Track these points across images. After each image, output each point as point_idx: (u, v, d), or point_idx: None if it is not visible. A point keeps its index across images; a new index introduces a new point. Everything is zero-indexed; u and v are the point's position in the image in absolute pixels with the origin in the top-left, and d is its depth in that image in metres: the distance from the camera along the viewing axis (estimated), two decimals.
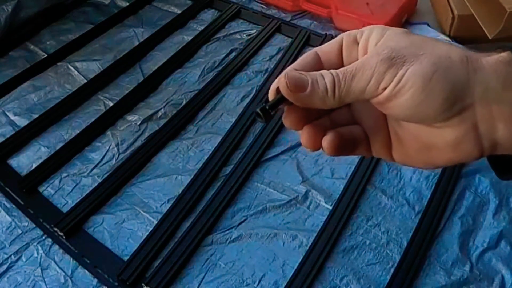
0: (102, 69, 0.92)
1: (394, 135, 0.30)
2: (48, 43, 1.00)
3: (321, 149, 0.30)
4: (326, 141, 0.29)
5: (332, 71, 0.27)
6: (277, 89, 0.28)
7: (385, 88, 0.25)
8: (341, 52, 0.30)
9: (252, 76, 0.89)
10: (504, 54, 0.25)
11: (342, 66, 0.29)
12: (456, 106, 0.25)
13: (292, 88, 0.27)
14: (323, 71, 0.27)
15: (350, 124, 0.31)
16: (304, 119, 0.29)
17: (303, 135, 0.30)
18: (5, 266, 0.61)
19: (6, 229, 0.66)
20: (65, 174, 0.73)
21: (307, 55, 0.30)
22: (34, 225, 0.66)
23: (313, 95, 0.27)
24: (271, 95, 0.29)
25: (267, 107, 0.28)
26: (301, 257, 0.60)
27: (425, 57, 0.25)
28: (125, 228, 0.66)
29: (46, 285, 0.60)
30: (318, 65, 0.30)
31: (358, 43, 0.29)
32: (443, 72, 0.24)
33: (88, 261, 0.62)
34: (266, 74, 0.88)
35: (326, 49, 0.30)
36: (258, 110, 0.28)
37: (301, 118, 0.29)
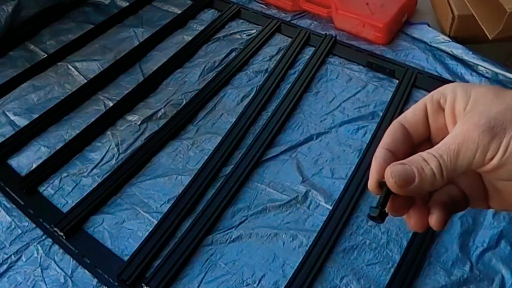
0: (102, 69, 0.92)
1: (492, 189, 0.30)
2: (48, 43, 1.00)
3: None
4: (434, 220, 0.29)
5: (434, 153, 0.26)
6: (380, 183, 0.28)
7: (491, 159, 0.25)
8: (427, 120, 0.29)
9: (252, 76, 0.89)
10: None
11: (430, 133, 0.29)
12: None
13: (401, 184, 0.26)
14: (425, 155, 0.26)
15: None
16: (408, 203, 0.29)
17: (410, 220, 0.30)
18: (5, 266, 0.61)
19: (6, 229, 0.66)
20: (65, 174, 0.73)
21: (395, 130, 0.30)
22: (34, 225, 0.66)
23: (422, 184, 0.26)
24: (372, 187, 0.29)
25: (380, 209, 0.28)
26: (301, 257, 0.60)
27: None
28: (125, 228, 0.66)
29: (46, 285, 0.60)
30: (408, 140, 0.30)
31: (443, 109, 0.28)
32: None
33: (88, 261, 0.62)
34: (266, 74, 0.88)
35: (411, 120, 0.30)
36: (375, 215, 0.28)
37: (406, 203, 0.29)
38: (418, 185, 0.26)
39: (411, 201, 0.29)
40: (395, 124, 0.30)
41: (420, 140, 0.30)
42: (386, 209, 0.28)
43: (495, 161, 0.25)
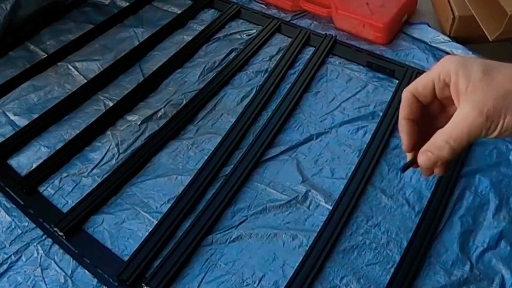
0: (102, 69, 0.92)
1: None
2: (48, 43, 1.00)
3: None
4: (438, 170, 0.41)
5: (447, 138, 0.35)
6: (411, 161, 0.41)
7: (491, 134, 0.34)
8: (435, 93, 0.37)
9: (252, 76, 0.89)
10: None
11: (436, 99, 0.39)
12: None
13: (427, 166, 0.38)
14: (440, 143, 0.36)
15: None
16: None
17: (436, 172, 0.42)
18: (5, 266, 0.61)
19: (6, 229, 0.66)
20: (65, 174, 0.73)
21: (411, 103, 0.39)
22: (34, 225, 0.66)
23: (442, 161, 0.38)
24: (408, 150, 0.41)
25: (407, 168, 0.42)
26: (301, 257, 0.60)
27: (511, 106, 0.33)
28: (125, 228, 0.66)
29: (46, 285, 0.60)
30: (420, 106, 0.39)
31: (448, 85, 0.36)
32: None
33: (88, 261, 0.62)
34: (266, 74, 0.88)
35: (422, 93, 0.38)
36: (403, 169, 0.42)
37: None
38: (441, 162, 0.38)
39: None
40: (409, 96, 0.39)
41: (428, 102, 0.39)
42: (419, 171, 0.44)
43: (493, 135, 0.34)
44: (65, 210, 0.68)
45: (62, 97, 0.86)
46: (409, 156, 0.42)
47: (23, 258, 0.62)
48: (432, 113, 0.40)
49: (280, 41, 0.97)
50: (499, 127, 0.33)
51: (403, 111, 0.39)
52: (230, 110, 0.83)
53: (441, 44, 0.90)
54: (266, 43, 0.96)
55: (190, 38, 0.98)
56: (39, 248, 0.63)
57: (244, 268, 0.61)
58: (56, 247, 0.64)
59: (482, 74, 0.34)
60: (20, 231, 0.66)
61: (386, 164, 0.71)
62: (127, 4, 1.09)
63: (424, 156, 0.38)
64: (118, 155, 0.76)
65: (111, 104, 0.85)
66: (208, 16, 1.06)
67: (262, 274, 0.60)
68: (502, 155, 0.71)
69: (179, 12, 1.06)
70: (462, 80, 0.34)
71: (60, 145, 0.77)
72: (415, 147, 0.40)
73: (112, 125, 0.81)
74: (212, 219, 0.65)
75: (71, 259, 0.62)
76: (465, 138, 0.34)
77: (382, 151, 0.72)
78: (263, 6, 1.06)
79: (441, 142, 0.36)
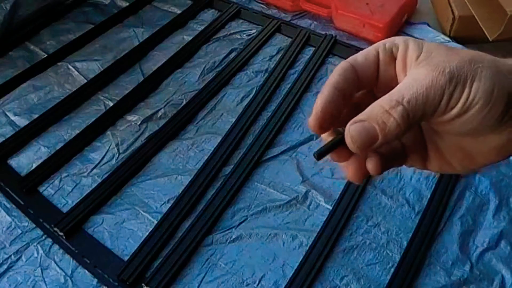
0: (102, 69, 0.92)
1: (434, 148, 0.29)
2: (48, 43, 1.00)
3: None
4: (371, 165, 0.28)
5: (398, 98, 0.25)
6: (335, 130, 0.27)
7: (453, 107, 0.25)
8: (377, 67, 0.29)
9: (252, 76, 0.89)
10: None
11: (376, 82, 0.29)
12: (508, 114, 0.25)
13: (364, 146, 0.25)
14: (386, 104, 0.25)
15: None
16: (350, 152, 0.28)
17: (348, 169, 0.29)
18: (5, 266, 0.61)
19: (6, 229, 0.66)
20: (65, 174, 0.73)
21: (346, 71, 0.28)
22: (34, 225, 0.66)
23: (385, 140, 0.25)
24: (313, 125, 0.28)
25: (325, 153, 0.28)
26: (301, 257, 0.60)
27: (481, 70, 0.24)
28: (125, 228, 0.66)
29: (46, 285, 0.60)
30: (356, 82, 0.29)
31: (394, 58, 0.28)
32: (499, 83, 0.25)
33: (88, 261, 0.62)
34: (266, 74, 0.88)
35: (362, 64, 0.29)
36: (315, 154, 0.28)
37: (349, 152, 0.28)
38: (382, 142, 0.25)
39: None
40: (345, 64, 0.29)
41: (364, 86, 0.29)
42: (330, 155, 0.28)
43: (455, 110, 0.25)
44: (65, 210, 0.68)
45: (62, 97, 0.86)
46: (324, 138, 0.30)
47: (23, 258, 0.62)
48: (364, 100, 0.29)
49: (280, 41, 0.97)
50: (465, 94, 0.24)
51: (332, 77, 0.29)
52: (230, 110, 0.83)
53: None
54: (266, 43, 0.96)
55: (190, 38, 0.98)
56: (39, 248, 0.63)
57: (244, 268, 0.61)
58: (56, 247, 0.64)
59: (437, 44, 0.27)
60: (20, 231, 0.66)
61: None
62: (127, 4, 1.09)
63: (357, 127, 0.25)
64: (118, 155, 0.76)
65: (111, 104, 0.85)
66: (208, 16, 1.06)
67: (262, 274, 0.60)
68: None
69: (179, 12, 1.06)
70: (412, 48, 0.27)
71: (60, 145, 0.77)
72: (326, 123, 0.28)
73: (112, 125, 0.81)
74: (212, 219, 0.65)
75: (71, 259, 0.62)
76: (423, 99, 0.24)
77: None
78: (263, 6, 1.06)
79: (387, 104, 0.25)
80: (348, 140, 0.26)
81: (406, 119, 0.24)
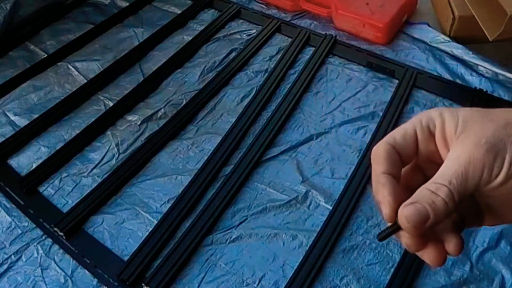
0: (102, 69, 0.92)
1: (487, 208, 0.30)
2: (48, 43, 1.00)
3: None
4: (453, 247, 0.28)
5: (441, 181, 0.26)
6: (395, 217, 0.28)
7: (497, 175, 0.25)
8: (417, 145, 0.29)
9: (252, 76, 0.89)
10: None
11: (416, 157, 0.30)
12: None
13: (418, 226, 0.26)
14: (432, 187, 0.26)
15: None
16: (423, 238, 0.28)
17: (429, 255, 0.29)
18: (5, 266, 0.61)
19: (6, 229, 0.66)
20: (65, 174, 0.73)
21: (390, 154, 0.29)
22: (34, 225, 0.66)
23: (437, 218, 0.26)
24: (391, 218, 0.28)
25: (387, 236, 0.29)
26: (301, 257, 0.60)
27: None
28: (125, 228, 0.66)
29: (46, 285, 0.60)
30: (400, 162, 0.29)
31: (433, 135, 0.28)
32: None
33: (88, 261, 0.62)
34: (266, 74, 0.88)
35: (402, 144, 0.29)
36: (378, 237, 0.29)
37: (422, 238, 0.28)
38: (434, 220, 0.26)
39: (427, 235, 0.29)
40: (387, 147, 0.29)
41: (405, 163, 0.30)
42: (405, 247, 0.29)
43: (500, 177, 0.25)
44: (65, 210, 0.68)
45: (62, 97, 0.86)
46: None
47: (23, 258, 0.62)
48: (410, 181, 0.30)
49: (280, 41, 0.97)
50: (506, 162, 0.25)
51: (382, 164, 0.29)
52: (230, 110, 0.83)
53: (441, 44, 0.90)
54: (266, 43, 0.96)
55: (190, 38, 0.98)
56: (39, 248, 0.63)
57: (244, 268, 0.61)
58: (56, 247, 0.64)
59: (471, 111, 0.27)
60: (20, 231, 0.66)
61: None
62: (127, 4, 1.09)
63: (410, 210, 0.26)
64: (118, 155, 0.76)
65: (111, 104, 0.85)
66: (208, 16, 1.06)
67: (262, 274, 0.60)
68: None
69: (179, 12, 1.06)
70: (449, 121, 0.27)
71: (60, 145, 0.77)
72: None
73: (112, 125, 0.81)
74: (212, 219, 0.65)
75: (71, 259, 0.62)
76: (463, 177, 0.25)
77: None
78: (263, 6, 1.06)
79: (433, 187, 0.26)
80: (401, 220, 0.27)
81: (452, 198, 0.26)
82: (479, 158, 0.25)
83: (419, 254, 0.29)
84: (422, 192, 0.27)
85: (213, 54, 0.95)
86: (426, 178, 0.28)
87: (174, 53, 0.94)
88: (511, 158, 0.25)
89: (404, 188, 0.29)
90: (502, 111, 0.27)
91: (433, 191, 0.26)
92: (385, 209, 0.28)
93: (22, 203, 0.69)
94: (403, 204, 0.27)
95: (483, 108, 0.28)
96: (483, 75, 0.84)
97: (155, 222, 0.65)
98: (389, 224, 0.28)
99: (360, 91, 0.84)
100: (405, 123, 0.30)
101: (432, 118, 0.28)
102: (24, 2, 0.99)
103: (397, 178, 0.29)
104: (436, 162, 0.28)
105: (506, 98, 0.80)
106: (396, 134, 0.29)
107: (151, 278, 0.59)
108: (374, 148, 0.30)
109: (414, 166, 0.31)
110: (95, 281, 0.60)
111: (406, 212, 0.26)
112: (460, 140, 0.27)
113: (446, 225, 0.29)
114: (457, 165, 0.26)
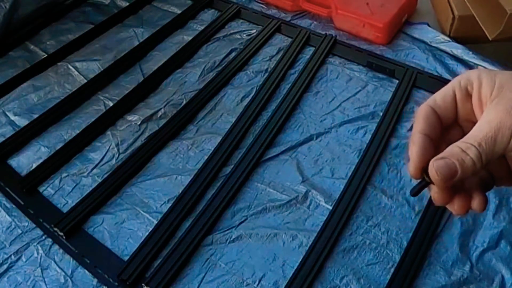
0: (102, 69, 0.92)
1: None
2: (48, 43, 1.00)
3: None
4: (477, 203, 0.30)
5: (472, 141, 0.28)
6: (423, 169, 0.30)
7: None
8: (456, 105, 0.31)
9: (252, 76, 0.89)
10: None
11: (457, 117, 0.31)
12: None
13: (446, 179, 0.28)
14: (463, 146, 0.28)
15: None
16: (451, 192, 0.30)
17: (454, 206, 0.31)
18: (5, 266, 0.61)
19: (6, 229, 0.66)
20: (65, 174, 0.73)
21: (428, 115, 0.31)
22: (34, 225, 0.66)
23: (464, 175, 0.28)
24: (416, 174, 0.30)
25: (418, 192, 0.31)
26: (301, 257, 0.60)
27: None
28: (125, 228, 0.66)
29: (46, 285, 0.60)
30: (439, 123, 0.31)
31: (470, 95, 0.30)
32: None
33: (88, 261, 0.62)
34: (266, 74, 0.88)
35: (442, 105, 0.31)
36: (411, 192, 0.31)
37: (449, 193, 0.30)
38: (461, 176, 0.28)
39: (454, 190, 0.31)
40: (426, 108, 0.31)
41: (448, 123, 0.32)
42: (433, 200, 0.31)
43: None
44: (65, 210, 0.68)
45: (62, 97, 0.86)
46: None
47: (23, 258, 0.62)
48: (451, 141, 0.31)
49: (280, 41, 0.97)
50: None
51: (419, 124, 0.31)
52: (230, 110, 0.83)
53: (441, 44, 0.90)
54: (266, 43, 0.96)
55: (190, 38, 0.98)
56: (39, 248, 0.64)
57: (244, 268, 0.61)
58: (56, 247, 0.64)
59: (508, 76, 0.28)
60: (20, 231, 0.66)
61: (386, 164, 0.71)
62: (127, 4, 1.09)
63: (440, 163, 0.28)
64: (118, 155, 0.76)
65: (111, 104, 0.85)
66: (208, 16, 1.06)
67: (262, 274, 0.60)
68: None
69: (179, 12, 1.06)
70: (486, 85, 0.29)
71: (60, 145, 0.77)
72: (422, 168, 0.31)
73: (112, 125, 0.81)
74: (212, 219, 0.65)
75: (71, 259, 0.62)
76: (492, 142, 0.27)
77: (382, 151, 0.72)
78: (263, 6, 1.06)
79: (464, 145, 0.28)
80: (432, 172, 0.29)
81: (480, 158, 0.28)
82: (508, 125, 0.27)
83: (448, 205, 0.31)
84: (453, 149, 0.28)
85: (213, 54, 0.95)
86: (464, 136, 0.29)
87: (174, 53, 0.94)
88: None
89: (441, 147, 0.31)
90: None
91: (464, 149, 0.28)
92: (411, 166, 0.30)
93: (22, 203, 0.69)
94: (435, 158, 0.29)
95: None
96: None
97: (155, 222, 0.65)
98: (418, 180, 0.30)
99: (360, 91, 0.84)
100: (447, 85, 0.31)
101: (471, 79, 0.30)
102: (24, 2, 0.99)
103: (434, 139, 0.31)
104: (472, 121, 0.30)
105: None
106: (437, 96, 0.31)
107: (151, 278, 0.59)
108: (417, 109, 0.32)
109: (455, 124, 0.32)
110: (95, 281, 0.60)
111: (436, 165, 0.28)
112: (493, 104, 0.28)
113: (474, 181, 0.31)
114: (488, 129, 0.27)
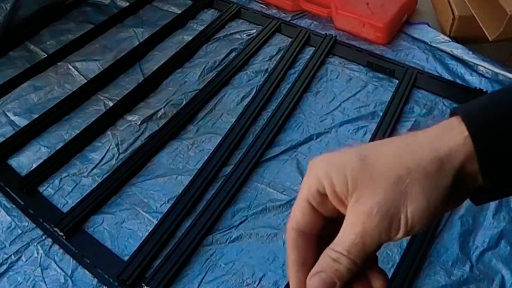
0: (102, 69, 0.92)
1: None
2: (48, 43, 1.00)
3: None
4: (378, 284, 0.29)
5: (341, 250, 0.27)
6: None
7: (396, 234, 0.26)
8: (318, 212, 0.29)
9: (252, 76, 0.89)
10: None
11: (323, 219, 0.29)
12: (448, 204, 0.26)
13: None
14: (334, 256, 0.27)
15: None
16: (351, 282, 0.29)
17: None
18: (5, 266, 0.61)
19: (6, 229, 0.66)
20: (65, 174, 0.73)
21: (296, 242, 0.29)
22: (34, 225, 0.66)
23: (343, 281, 0.27)
24: None
25: None
26: None
27: (410, 189, 0.25)
28: (125, 228, 0.66)
29: (46, 285, 0.60)
30: (311, 239, 0.29)
31: (326, 195, 0.28)
32: (431, 192, 0.25)
33: (88, 261, 0.62)
34: (266, 74, 0.88)
35: (304, 222, 0.29)
36: None
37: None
38: (341, 284, 0.27)
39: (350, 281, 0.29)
40: (292, 234, 0.29)
41: (319, 230, 0.30)
42: None
43: (400, 235, 0.26)
44: (65, 210, 0.68)
45: (62, 97, 0.86)
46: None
47: (23, 258, 0.62)
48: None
49: (280, 41, 0.97)
50: (402, 223, 0.25)
51: (291, 255, 0.29)
52: (230, 110, 0.83)
53: (441, 44, 0.90)
54: (266, 43, 0.96)
55: (190, 38, 0.98)
56: (39, 248, 0.63)
57: (244, 268, 0.61)
58: (56, 247, 0.64)
59: (359, 164, 0.26)
60: (20, 231, 0.66)
61: None
62: (127, 4, 1.09)
63: (316, 281, 0.27)
64: (118, 155, 0.76)
65: (111, 104, 0.85)
66: (208, 16, 1.06)
67: (262, 274, 0.60)
68: None
69: (179, 12, 1.06)
70: (337, 182, 0.26)
71: (60, 145, 0.77)
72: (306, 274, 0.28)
73: (112, 125, 0.81)
74: (212, 219, 0.65)
75: (71, 259, 0.62)
76: (361, 246, 0.26)
77: None
78: (263, 6, 1.06)
79: (334, 254, 0.27)
80: None
81: (353, 263, 0.27)
82: (373, 228, 0.25)
83: None
84: (325, 260, 0.27)
85: (213, 54, 0.95)
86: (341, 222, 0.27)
87: (174, 53, 0.94)
88: (406, 217, 0.25)
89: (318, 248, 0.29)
90: (393, 164, 0.26)
91: (335, 259, 0.27)
92: (288, 269, 0.29)
93: (22, 203, 0.69)
94: (309, 275, 0.28)
95: (370, 147, 0.27)
96: (483, 75, 0.84)
97: (155, 222, 0.65)
98: None
99: (360, 91, 0.84)
100: (299, 192, 0.29)
101: (320, 180, 0.27)
102: (24, 2, 0.99)
103: (310, 262, 0.29)
104: (342, 214, 0.28)
105: None
106: (297, 214, 0.29)
107: (151, 278, 0.59)
108: (286, 235, 0.29)
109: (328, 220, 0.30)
110: (95, 281, 0.60)
111: (312, 283, 0.27)
112: (352, 202, 0.26)
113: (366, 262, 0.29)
114: (354, 235, 0.26)
